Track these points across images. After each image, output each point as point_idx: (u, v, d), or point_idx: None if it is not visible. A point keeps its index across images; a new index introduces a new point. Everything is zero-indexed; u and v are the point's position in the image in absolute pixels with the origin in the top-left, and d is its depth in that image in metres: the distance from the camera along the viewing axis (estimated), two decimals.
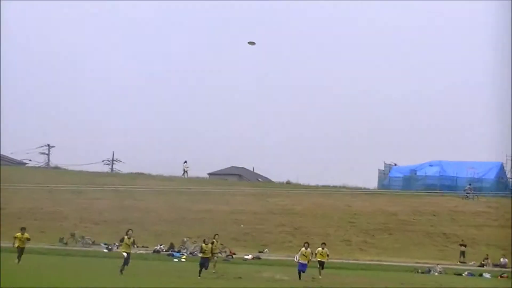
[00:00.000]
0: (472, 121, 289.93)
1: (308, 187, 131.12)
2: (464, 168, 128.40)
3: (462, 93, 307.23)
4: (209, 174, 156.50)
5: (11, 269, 51.04)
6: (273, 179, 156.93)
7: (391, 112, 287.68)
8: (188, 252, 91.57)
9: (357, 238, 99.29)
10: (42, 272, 52.91)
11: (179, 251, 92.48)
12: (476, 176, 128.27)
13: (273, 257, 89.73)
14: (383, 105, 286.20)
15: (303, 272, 58.07)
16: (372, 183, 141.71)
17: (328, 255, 63.19)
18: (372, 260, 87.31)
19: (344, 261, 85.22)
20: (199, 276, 55.16)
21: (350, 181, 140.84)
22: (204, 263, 56.63)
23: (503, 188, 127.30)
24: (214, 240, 60.68)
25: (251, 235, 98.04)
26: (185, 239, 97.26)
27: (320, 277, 59.41)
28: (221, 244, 66.46)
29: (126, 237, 54.89)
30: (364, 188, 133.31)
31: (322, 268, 61.31)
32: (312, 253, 60.66)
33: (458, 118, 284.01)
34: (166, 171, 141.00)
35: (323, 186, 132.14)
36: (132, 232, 57.23)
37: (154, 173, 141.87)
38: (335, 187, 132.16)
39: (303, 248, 59.80)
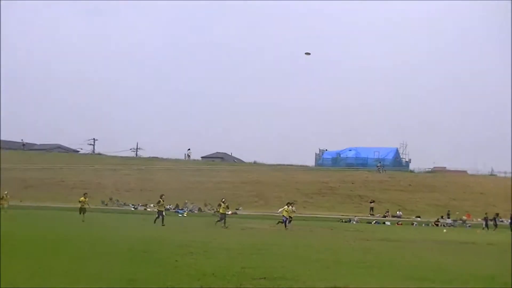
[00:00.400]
0: (378, 119, 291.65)
1: (268, 165, 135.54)
2: (372, 151, 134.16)
3: (366, 101, 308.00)
4: (202, 157, 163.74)
5: (77, 224, 50.00)
6: (244, 160, 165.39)
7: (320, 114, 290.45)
8: (188, 210, 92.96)
9: (301, 199, 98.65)
10: (95, 222, 52.20)
11: (182, 209, 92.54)
12: (380, 157, 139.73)
13: (245, 212, 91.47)
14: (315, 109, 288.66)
15: (283, 222, 56.04)
16: (310, 162, 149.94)
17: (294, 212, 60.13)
18: (311, 214, 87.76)
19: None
20: (224, 224, 54.42)
21: (295, 161, 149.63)
22: (222, 218, 55.52)
23: (398, 165, 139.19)
24: (221, 202, 59.57)
25: (230, 198, 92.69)
26: (186, 201, 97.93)
27: (287, 227, 54.85)
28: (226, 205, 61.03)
29: (160, 200, 55.20)
30: (305, 166, 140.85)
31: (290, 221, 56.98)
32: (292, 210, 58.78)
33: (367, 117, 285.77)
34: (174, 155, 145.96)
35: (278, 164, 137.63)
36: (164, 196, 58.57)
37: (165, 156, 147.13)
38: (285, 165, 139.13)
39: (286, 206, 57.92)
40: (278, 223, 59.64)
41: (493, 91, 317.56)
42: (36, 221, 56.93)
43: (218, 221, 57.54)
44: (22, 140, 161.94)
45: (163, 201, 58.10)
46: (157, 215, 55.36)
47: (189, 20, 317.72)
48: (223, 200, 62.13)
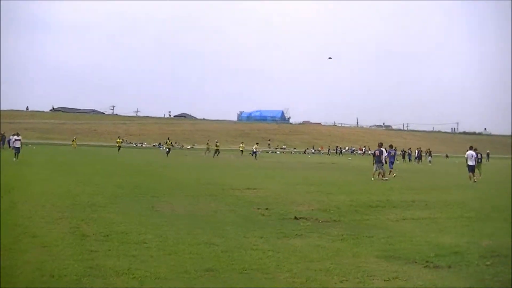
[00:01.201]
0: (273, 89, 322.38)
1: (212, 120, 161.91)
2: (270, 112, 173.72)
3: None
4: (175, 115, 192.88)
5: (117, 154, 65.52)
6: (198, 117, 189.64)
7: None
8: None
9: (229, 139, 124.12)
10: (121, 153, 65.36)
11: (161, 145, 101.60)
12: (276, 116, 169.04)
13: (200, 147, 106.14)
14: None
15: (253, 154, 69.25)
16: (234, 118, 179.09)
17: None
18: (236, 148, 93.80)
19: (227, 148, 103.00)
20: (213, 157, 64.95)
21: (226, 118, 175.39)
22: (217, 152, 67.72)
23: (284, 120, 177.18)
24: (216, 142, 72.28)
25: (192, 140, 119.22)
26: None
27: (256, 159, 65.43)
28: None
29: (168, 141, 70.79)
30: (232, 120, 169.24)
31: (255, 156, 69.38)
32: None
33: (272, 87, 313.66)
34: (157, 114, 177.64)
35: (218, 120, 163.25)
36: (169, 137, 76.49)
37: (152, 115, 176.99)
38: (221, 120, 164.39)
39: (255, 145, 72.96)
40: (252, 154, 69.28)
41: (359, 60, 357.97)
42: (99, 153, 68.87)
43: (215, 154, 67.77)
44: (52, 106, 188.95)
45: (170, 141, 69.99)
46: (167, 150, 65.82)
47: None
48: (217, 141, 73.26)
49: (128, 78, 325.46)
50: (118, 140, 79.04)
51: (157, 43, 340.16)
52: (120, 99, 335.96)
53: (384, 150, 36.05)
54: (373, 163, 35.41)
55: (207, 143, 78.91)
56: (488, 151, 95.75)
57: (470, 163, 35.36)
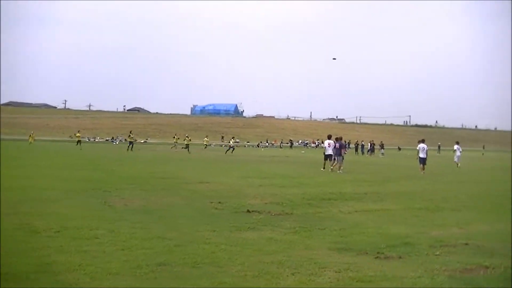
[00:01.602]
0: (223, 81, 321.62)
1: (165, 114, 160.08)
2: (223, 106, 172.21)
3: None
4: (128, 110, 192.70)
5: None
6: (151, 111, 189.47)
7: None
8: (119, 140, 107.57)
9: (184, 133, 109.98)
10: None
11: (114, 140, 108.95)
12: (227, 109, 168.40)
13: (153, 141, 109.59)
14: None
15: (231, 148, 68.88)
16: (188, 112, 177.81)
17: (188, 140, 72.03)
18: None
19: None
20: (189, 152, 63.64)
21: (179, 112, 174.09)
22: (188, 147, 66.41)
23: (237, 113, 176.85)
24: (186, 136, 72.13)
25: (145, 134, 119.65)
26: (117, 135, 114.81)
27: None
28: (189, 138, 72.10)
29: (130, 134, 67.25)
30: (185, 114, 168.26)
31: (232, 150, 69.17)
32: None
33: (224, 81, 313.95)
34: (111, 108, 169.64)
35: (171, 114, 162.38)
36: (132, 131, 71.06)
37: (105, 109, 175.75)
38: (175, 114, 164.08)
39: (232, 139, 74.20)
40: (229, 150, 68.19)
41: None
42: (53, 148, 68.21)
43: (183, 148, 67.34)
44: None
45: (132, 135, 66.78)
46: (129, 144, 63.64)
47: None
48: (187, 135, 73.02)
49: (81, 73, 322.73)
50: (77, 134, 76.91)
51: (109, 37, 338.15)
52: (72, 94, 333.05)
53: (332, 142, 36.67)
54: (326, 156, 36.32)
55: (174, 137, 78.31)
56: (439, 143, 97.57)
57: (421, 155, 36.16)
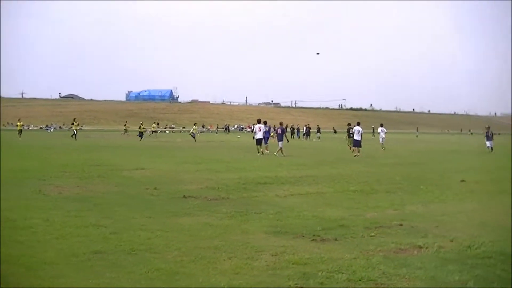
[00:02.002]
0: (158, 66, 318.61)
1: (107, 100, 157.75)
2: (158, 92, 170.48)
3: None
4: (62, 96, 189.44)
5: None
6: (85, 97, 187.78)
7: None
8: (53, 128, 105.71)
9: (119, 120, 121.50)
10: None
11: (48, 127, 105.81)
12: (164, 95, 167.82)
13: (87, 128, 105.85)
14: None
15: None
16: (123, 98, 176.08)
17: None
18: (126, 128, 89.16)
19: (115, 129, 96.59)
20: (141, 139, 60.45)
21: (114, 98, 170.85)
22: (141, 134, 63.61)
23: (173, 99, 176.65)
24: (141, 124, 68.46)
25: (82, 121, 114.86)
26: (52, 123, 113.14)
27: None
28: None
29: (74, 122, 63.81)
30: (121, 100, 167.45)
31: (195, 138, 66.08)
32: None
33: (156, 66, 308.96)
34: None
35: (106, 100, 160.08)
36: (76, 119, 67.78)
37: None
38: (109, 100, 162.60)
39: (194, 126, 68.86)
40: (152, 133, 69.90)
41: None
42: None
43: (137, 135, 63.65)
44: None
45: (76, 123, 63.60)
46: (74, 132, 60.96)
47: None
48: (141, 123, 69.37)
49: (15, 59, 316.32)
50: (18, 123, 68.20)
51: (45, 22, 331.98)
52: (4, 81, 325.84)
53: (262, 126, 37.40)
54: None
55: (125, 125, 77.28)
56: (373, 126, 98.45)
57: (356, 138, 36.48)
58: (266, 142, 37.44)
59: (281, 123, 39.90)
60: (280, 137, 36.51)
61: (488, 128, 47.60)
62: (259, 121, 38.12)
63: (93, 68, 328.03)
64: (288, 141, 36.32)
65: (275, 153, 34.76)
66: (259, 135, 36.77)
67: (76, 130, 62.27)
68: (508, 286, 7.85)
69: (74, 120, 64.73)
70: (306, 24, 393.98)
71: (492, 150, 44.45)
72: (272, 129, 41.81)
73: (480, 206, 14.64)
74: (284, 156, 34.01)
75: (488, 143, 45.91)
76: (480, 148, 47.81)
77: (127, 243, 9.41)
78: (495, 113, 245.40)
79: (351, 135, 39.57)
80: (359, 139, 36.61)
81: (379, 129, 50.19)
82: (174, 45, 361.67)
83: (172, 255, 8.66)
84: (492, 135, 46.75)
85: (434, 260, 8.60)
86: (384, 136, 48.96)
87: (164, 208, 13.22)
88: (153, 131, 74.33)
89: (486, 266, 8.30)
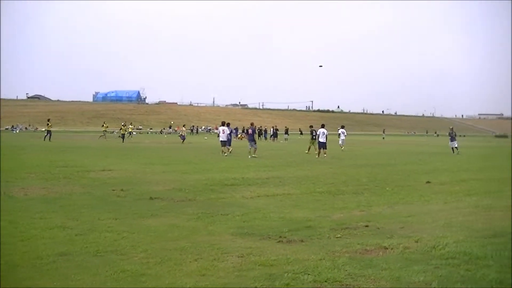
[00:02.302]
0: (125, 67, 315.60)
1: (67, 101, 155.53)
2: (125, 93, 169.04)
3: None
4: (28, 97, 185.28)
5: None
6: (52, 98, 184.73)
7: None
8: (19, 129, 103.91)
9: (86, 121, 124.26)
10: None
11: (14, 128, 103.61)
12: (132, 96, 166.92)
13: (54, 129, 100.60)
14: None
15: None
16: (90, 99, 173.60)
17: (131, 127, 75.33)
18: (92, 129, 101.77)
19: (82, 130, 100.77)
20: (123, 141, 59.97)
21: (81, 99, 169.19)
22: (123, 136, 62.94)
23: (141, 100, 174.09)
24: (126, 124, 71.30)
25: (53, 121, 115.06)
26: (18, 124, 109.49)
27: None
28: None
29: (48, 123, 60.50)
30: (88, 101, 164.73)
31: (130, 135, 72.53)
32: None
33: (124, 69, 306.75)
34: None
35: (72, 101, 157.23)
36: (50, 119, 67.55)
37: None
38: (76, 101, 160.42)
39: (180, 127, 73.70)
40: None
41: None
42: None
43: (119, 137, 64.69)
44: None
45: (50, 123, 60.79)
46: (46, 134, 58.71)
47: None
48: (123, 123, 70.40)
49: None
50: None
51: (9, 22, 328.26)
52: None
53: (226, 128, 38.19)
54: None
55: (103, 125, 73.58)
56: (339, 128, 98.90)
57: (321, 140, 36.71)
58: (229, 144, 38.04)
59: (252, 124, 40.55)
60: (251, 138, 36.87)
61: (452, 129, 48.50)
62: (223, 123, 38.81)
63: (60, 68, 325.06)
64: (255, 143, 36.48)
65: (254, 155, 34.98)
66: (223, 137, 37.35)
67: (49, 131, 59.86)
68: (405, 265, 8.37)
69: (48, 121, 62.45)
70: (273, 26, 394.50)
71: (454, 151, 45.27)
72: (240, 131, 42.11)
73: (445, 207, 14.74)
74: (254, 157, 34.29)
75: (451, 144, 46.69)
76: (445, 149, 48.45)
77: (93, 244, 9.36)
78: (462, 115, 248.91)
79: (314, 137, 40.16)
80: (325, 141, 36.69)
81: (340, 131, 51.50)
82: (141, 46, 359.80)
83: (139, 257, 8.64)
84: (455, 136, 47.45)
85: (399, 261, 8.68)
86: (344, 138, 50.13)
87: (130, 209, 13.17)
88: (129, 133, 74.02)
89: (450, 267, 8.41)
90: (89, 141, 61.13)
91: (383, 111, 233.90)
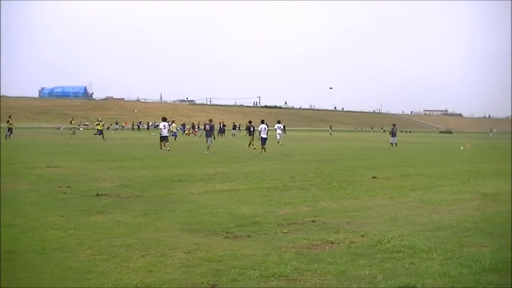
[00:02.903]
0: (72, 62, 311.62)
1: (13, 97, 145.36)
2: (71, 88, 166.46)
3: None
4: None
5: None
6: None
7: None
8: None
9: (32, 117, 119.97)
10: None
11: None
12: (76, 92, 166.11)
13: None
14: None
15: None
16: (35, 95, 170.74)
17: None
18: (38, 125, 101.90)
19: (29, 126, 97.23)
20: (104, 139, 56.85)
21: (26, 94, 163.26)
22: (101, 132, 59.90)
23: (88, 96, 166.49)
24: (98, 121, 65.30)
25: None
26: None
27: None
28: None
29: (9, 120, 57.12)
30: (35, 97, 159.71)
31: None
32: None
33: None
34: None
35: (18, 97, 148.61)
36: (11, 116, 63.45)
37: None
38: (22, 97, 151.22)
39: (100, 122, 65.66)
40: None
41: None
42: None
43: (96, 134, 62.69)
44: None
45: (12, 120, 57.71)
46: (7, 131, 55.19)
47: None
48: (99, 119, 67.60)
49: None
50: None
51: None
52: None
53: (167, 124, 39.43)
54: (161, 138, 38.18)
55: (71, 122, 71.37)
56: (283, 124, 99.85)
57: (263, 135, 37.41)
58: (166, 140, 38.46)
59: (210, 120, 40.86)
60: (208, 134, 37.34)
61: (394, 125, 49.95)
62: (164, 119, 39.33)
63: (4, 63, 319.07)
64: (213, 139, 36.88)
65: (206, 151, 35.38)
66: (164, 133, 38.01)
67: (10, 128, 56.59)
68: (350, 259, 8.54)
69: (9, 117, 59.24)
70: (219, 21, 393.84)
71: (393, 146, 46.79)
72: (187, 127, 42.08)
73: (391, 202, 15.02)
74: (207, 153, 34.48)
75: (391, 140, 48.22)
76: (389, 144, 48.92)
77: (39, 242, 9.25)
78: (411, 112, 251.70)
79: (252, 132, 41.17)
80: (266, 137, 37.47)
81: (276, 126, 52.08)
82: (88, 41, 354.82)
83: (85, 254, 8.58)
84: (396, 132, 49.07)
85: (345, 255, 8.81)
86: (280, 132, 50.97)
87: (77, 206, 13.03)
88: (73, 128, 71.17)
89: (395, 260, 8.58)
90: (36, 137, 60.22)
91: (335, 107, 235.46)
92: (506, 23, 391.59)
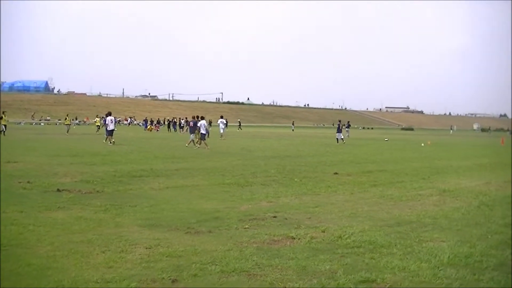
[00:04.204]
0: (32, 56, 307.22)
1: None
2: (32, 83, 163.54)
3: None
4: None
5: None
6: None
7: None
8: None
9: None
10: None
11: None
12: (39, 86, 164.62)
13: None
14: None
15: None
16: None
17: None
18: None
19: None
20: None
21: None
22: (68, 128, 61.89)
23: (49, 91, 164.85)
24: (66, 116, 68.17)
25: None
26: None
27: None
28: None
29: (3, 116, 56.20)
30: None
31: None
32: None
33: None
34: None
35: None
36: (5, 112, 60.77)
37: None
38: None
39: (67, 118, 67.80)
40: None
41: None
42: None
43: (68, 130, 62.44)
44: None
45: (6, 117, 56.21)
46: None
47: None
48: (68, 115, 69.36)
49: None
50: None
51: None
52: None
53: (113, 118, 41.74)
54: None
55: (66, 118, 69.34)
56: (239, 120, 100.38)
57: (202, 131, 38.62)
58: (111, 134, 39.61)
59: (193, 117, 42.17)
60: (192, 130, 39.04)
61: (339, 121, 51.62)
62: (108, 114, 41.37)
63: None
64: (196, 135, 37.92)
65: (186, 145, 37.37)
66: (111, 126, 39.54)
67: (4, 125, 53.98)
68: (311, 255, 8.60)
69: (3, 113, 56.49)
70: (183, 16, 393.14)
71: (339, 142, 48.16)
72: (149, 122, 42.18)
73: (351, 198, 15.14)
74: (197, 147, 36.05)
75: (337, 135, 49.21)
76: (352, 141, 49.73)
77: None
78: (374, 109, 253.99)
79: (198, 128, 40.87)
80: (205, 133, 38.37)
81: (219, 121, 53.78)
82: (49, 35, 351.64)
83: (44, 250, 8.49)
84: (341, 127, 50.23)
85: (306, 251, 8.88)
86: (223, 127, 52.51)
87: (36, 202, 12.90)
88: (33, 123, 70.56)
89: (356, 255, 8.66)
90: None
91: (304, 105, 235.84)
92: (467, 22, 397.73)
